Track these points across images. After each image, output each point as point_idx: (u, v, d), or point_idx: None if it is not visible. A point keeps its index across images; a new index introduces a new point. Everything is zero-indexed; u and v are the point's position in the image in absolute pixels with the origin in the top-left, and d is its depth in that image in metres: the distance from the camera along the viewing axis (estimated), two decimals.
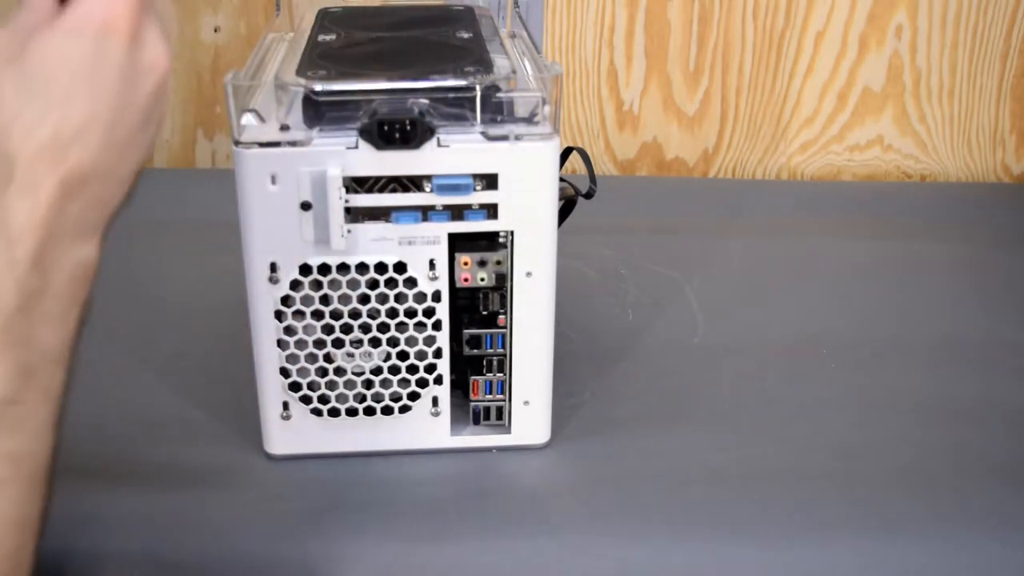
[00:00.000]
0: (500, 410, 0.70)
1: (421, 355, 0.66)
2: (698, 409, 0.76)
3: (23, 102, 0.42)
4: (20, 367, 0.40)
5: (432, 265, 0.64)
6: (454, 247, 0.64)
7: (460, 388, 0.70)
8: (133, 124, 0.44)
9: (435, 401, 0.68)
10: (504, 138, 0.62)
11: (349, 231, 0.62)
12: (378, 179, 0.62)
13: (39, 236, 0.41)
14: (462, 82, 0.61)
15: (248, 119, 0.62)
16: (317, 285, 0.64)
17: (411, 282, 0.64)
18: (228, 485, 0.67)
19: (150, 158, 0.46)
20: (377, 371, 0.66)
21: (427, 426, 0.68)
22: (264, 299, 0.64)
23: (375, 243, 0.63)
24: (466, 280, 0.65)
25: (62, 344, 0.42)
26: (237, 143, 0.60)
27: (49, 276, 0.41)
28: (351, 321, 0.65)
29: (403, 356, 0.66)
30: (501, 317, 0.67)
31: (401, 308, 0.65)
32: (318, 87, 0.61)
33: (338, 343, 0.65)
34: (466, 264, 0.65)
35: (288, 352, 0.65)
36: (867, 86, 1.19)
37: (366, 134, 0.60)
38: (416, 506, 0.65)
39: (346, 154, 0.61)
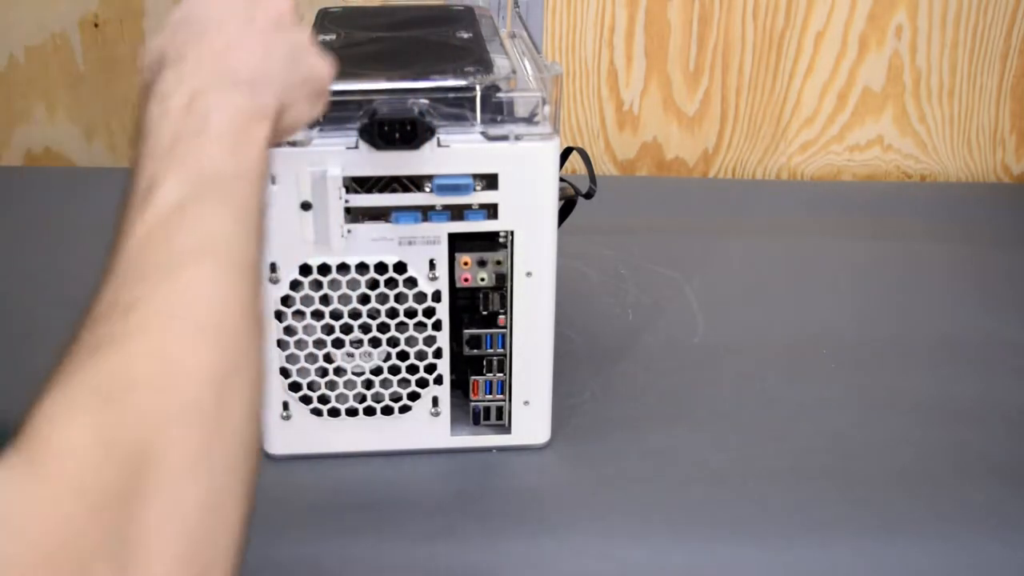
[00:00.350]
0: (500, 410, 0.70)
1: (421, 355, 0.66)
2: (698, 409, 0.76)
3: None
4: (236, 204, 0.42)
5: (432, 265, 0.64)
6: (454, 247, 0.64)
7: (460, 388, 0.70)
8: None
9: (435, 401, 0.68)
10: (504, 138, 0.62)
11: (349, 231, 0.62)
12: (378, 179, 0.62)
13: (234, 110, 0.44)
14: (462, 82, 0.61)
15: None
16: (317, 285, 0.64)
17: (411, 282, 0.64)
18: None
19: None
20: (377, 371, 0.66)
21: (427, 426, 0.68)
22: (264, 299, 0.64)
23: (375, 243, 0.63)
24: (466, 280, 0.65)
25: (258, 210, 0.44)
26: None
27: (242, 153, 0.44)
28: (351, 321, 0.65)
29: (403, 356, 0.66)
30: (501, 317, 0.67)
31: (401, 308, 0.65)
32: None
33: (338, 343, 0.65)
34: (466, 264, 0.65)
35: (288, 352, 0.65)
36: (867, 86, 1.19)
37: (366, 134, 0.60)
38: (416, 506, 0.65)
39: (346, 154, 0.61)
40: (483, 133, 0.62)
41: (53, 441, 0.33)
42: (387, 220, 0.62)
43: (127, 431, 0.34)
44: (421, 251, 0.63)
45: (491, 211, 0.63)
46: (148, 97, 0.45)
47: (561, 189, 0.69)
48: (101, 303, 0.38)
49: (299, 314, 0.64)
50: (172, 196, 0.41)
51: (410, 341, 0.66)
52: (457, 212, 0.63)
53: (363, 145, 0.60)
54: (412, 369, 0.67)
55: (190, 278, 0.39)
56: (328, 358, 0.66)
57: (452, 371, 0.68)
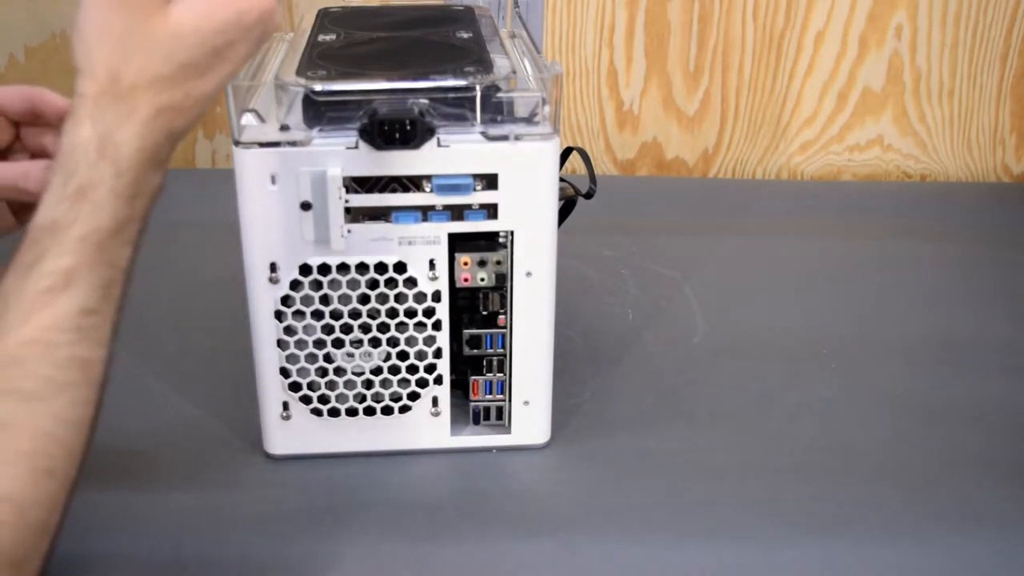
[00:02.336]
0: (500, 410, 0.70)
1: (421, 355, 0.66)
2: (698, 409, 0.76)
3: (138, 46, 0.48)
4: (103, 282, 0.47)
5: (432, 265, 0.64)
6: (454, 247, 0.64)
7: (460, 388, 0.70)
8: (212, 64, 0.50)
9: (435, 401, 0.68)
10: (504, 138, 0.61)
11: (349, 231, 0.62)
12: (378, 179, 0.62)
13: (138, 166, 0.47)
14: (462, 82, 0.61)
15: (248, 119, 0.62)
16: (317, 285, 0.64)
17: (411, 282, 0.64)
18: (228, 485, 0.67)
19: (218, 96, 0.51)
20: (377, 371, 0.66)
21: (427, 426, 0.68)
22: (264, 299, 0.64)
23: (375, 243, 0.63)
24: (466, 280, 0.65)
25: (131, 261, 0.49)
26: (237, 143, 0.60)
27: (136, 203, 0.48)
28: (351, 321, 0.65)
29: (403, 356, 0.66)
30: (501, 317, 0.67)
31: (401, 308, 0.65)
32: (318, 87, 0.60)
33: (338, 343, 0.65)
34: (466, 264, 0.65)
35: (288, 352, 0.65)
36: (867, 86, 1.19)
37: (366, 134, 0.60)
38: (416, 506, 0.65)
39: (346, 154, 0.61)
40: (483, 133, 0.62)
41: None
42: (387, 220, 0.62)
43: None
44: (421, 251, 0.63)
45: (491, 211, 0.63)
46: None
47: (561, 189, 0.69)
48: None
49: (299, 314, 0.64)
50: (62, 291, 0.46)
51: (410, 341, 0.66)
52: (457, 212, 0.63)
53: (363, 145, 0.60)
54: (412, 369, 0.67)
55: (48, 408, 0.45)
56: (328, 358, 0.66)
57: (452, 371, 0.68)
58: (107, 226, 0.47)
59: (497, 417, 0.70)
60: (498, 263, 0.65)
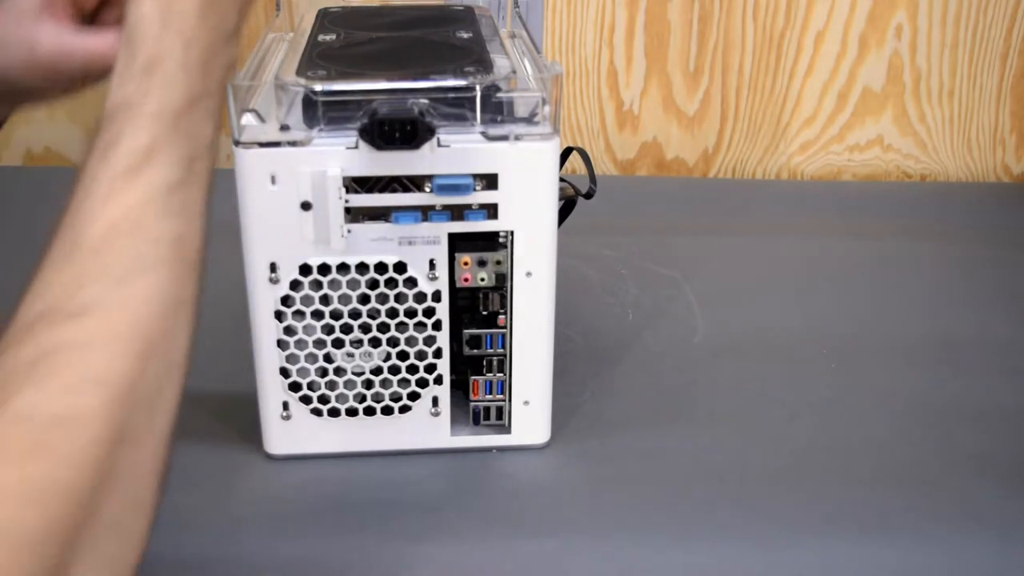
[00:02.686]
0: (500, 410, 0.70)
1: (421, 355, 0.66)
2: (698, 409, 0.76)
3: None
4: (185, 157, 0.45)
5: (432, 265, 0.64)
6: (454, 247, 0.64)
7: (460, 388, 0.70)
8: None
9: (435, 401, 0.68)
10: (504, 138, 0.61)
11: (349, 231, 0.62)
12: (378, 179, 0.62)
13: (205, 37, 0.46)
14: (462, 82, 0.61)
15: (248, 119, 0.62)
16: (317, 285, 0.64)
17: (411, 282, 0.64)
18: (228, 485, 0.67)
19: None
20: (377, 371, 0.66)
21: (427, 426, 0.68)
22: (264, 299, 0.64)
23: (375, 243, 0.63)
24: (466, 280, 0.65)
25: (214, 135, 0.47)
26: (237, 143, 0.60)
27: (208, 76, 0.47)
28: (351, 321, 0.65)
29: (403, 356, 0.66)
30: (501, 317, 0.67)
31: (401, 308, 0.65)
32: (318, 87, 0.60)
33: (338, 343, 0.65)
34: (466, 264, 0.65)
35: (288, 352, 0.65)
36: (867, 86, 1.19)
37: (366, 134, 0.60)
38: (416, 506, 0.65)
39: (346, 154, 0.61)
40: (483, 133, 0.62)
41: None
42: (387, 220, 0.62)
43: (52, 472, 0.36)
44: (421, 251, 0.63)
45: (491, 211, 0.63)
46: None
47: (561, 189, 0.69)
48: (48, 293, 0.40)
49: (299, 314, 0.64)
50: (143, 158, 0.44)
51: (410, 341, 0.66)
52: (457, 212, 0.63)
53: (363, 145, 0.60)
54: (412, 369, 0.67)
55: (142, 288, 0.42)
56: (328, 358, 0.66)
57: (452, 371, 0.68)
58: (181, 101, 0.45)
59: (497, 417, 0.70)
60: (498, 263, 0.65)
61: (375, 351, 0.66)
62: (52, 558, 0.35)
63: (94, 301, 0.41)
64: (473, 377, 0.69)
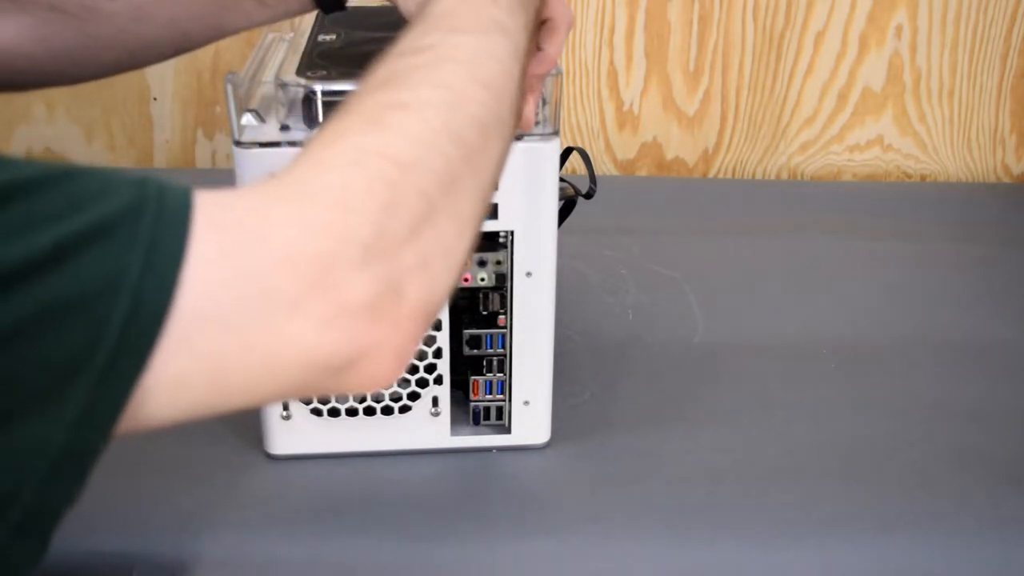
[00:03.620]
0: (500, 410, 0.70)
1: (421, 355, 0.66)
2: (698, 409, 0.76)
3: None
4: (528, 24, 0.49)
5: None
6: None
7: (460, 388, 0.70)
8: None
9: (435, 401, 0.68)
10: None
11: None
12: None
13: None
14: None
15: (248, 119, 0.62)
16: None
17: None
18: (228, 485, 0.67)
19: None
20: None
21: (427, 426, 0.68)
22: None
23: None
24: (466, 280, 0.65)
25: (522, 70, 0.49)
26: (237, 143, 0.60)
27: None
28: None
29: None
30: (501, 317, 0.67)
31: None
32: (318, 87, 0.60)
33: None
34: (466, 264, 0.65)
35: None
36: (867, 86, 1.19)
37: None
38: (416, 506, 0.65)
39: None
40: None
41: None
42: None
43: (387, 149, 0.39)
44: None
45: (491, 211, 0.63)
46: None
47: (561, 189, 0.69)
48: (401, 47, 0.45)
49: None
50: None
51: None
52: None
53: None
54: (412, 369, 0.67)
55: (485, 42, 0.46)
56: None
57: (452, 371, 0.68)
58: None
59: (497, 417, 0.70)
60: (498, 263, 0.65)
61: None
62: (372, 224, 0.37)
63: (439, 41, 0.45)
64: (473, 377, 0.69)
